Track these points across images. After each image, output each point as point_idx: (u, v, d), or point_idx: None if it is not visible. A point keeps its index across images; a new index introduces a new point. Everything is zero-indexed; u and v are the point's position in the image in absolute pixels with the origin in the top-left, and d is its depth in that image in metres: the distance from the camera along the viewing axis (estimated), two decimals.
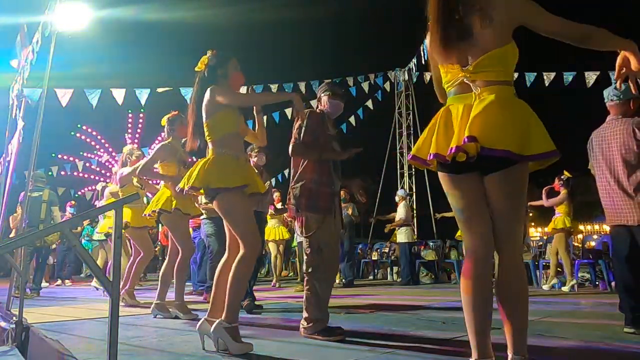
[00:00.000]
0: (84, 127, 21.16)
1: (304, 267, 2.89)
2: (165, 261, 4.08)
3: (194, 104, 2.65)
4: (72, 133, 21.05)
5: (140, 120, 21.48)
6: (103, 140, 21.39)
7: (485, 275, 1.68)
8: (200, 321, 2.49)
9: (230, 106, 2.56)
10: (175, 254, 3.94)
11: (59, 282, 9.15)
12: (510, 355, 1.65)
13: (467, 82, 1.67)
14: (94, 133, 21.32)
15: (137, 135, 20.96)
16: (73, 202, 9.48)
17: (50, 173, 12.89)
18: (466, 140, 1.56)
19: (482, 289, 1.66)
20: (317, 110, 3.08)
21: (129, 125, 21.31)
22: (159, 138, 18.96)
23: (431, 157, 1.67)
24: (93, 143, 21.26)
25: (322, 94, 3.10)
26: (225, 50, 2.72)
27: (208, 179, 2.47)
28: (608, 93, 3.28)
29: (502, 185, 1.64)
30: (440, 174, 1.76)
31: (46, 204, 6.49)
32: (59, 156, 19.34)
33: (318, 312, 2.78)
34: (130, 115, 21.06)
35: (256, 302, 4.34)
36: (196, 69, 2.69)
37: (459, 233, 8.18)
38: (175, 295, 3.82)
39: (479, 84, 1.65)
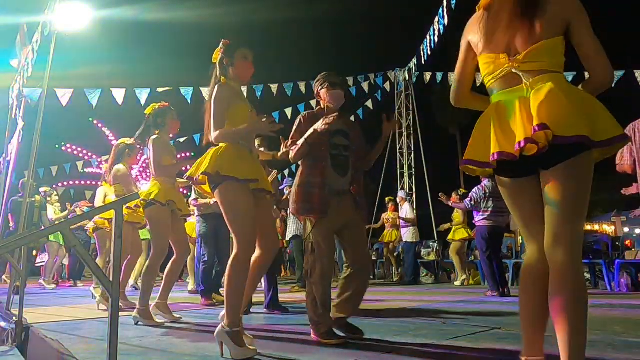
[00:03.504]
0: (95, 122, 20.94)
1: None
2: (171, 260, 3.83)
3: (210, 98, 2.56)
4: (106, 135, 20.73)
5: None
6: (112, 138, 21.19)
7: (543, 277, 1.57)
8: (218, 328, 2.36)
9: (239, 100, 2.54)
10: (185, 253, 3.84)
11: (72, 282, 9.14)
12: None
13: (515, 72, 1.58)
14: (104, 129, 21.12)
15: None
16: (89, 203, 9.45)
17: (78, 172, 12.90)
18: (537, 128, 1.44)
19: (544, 290, 1.56)
20: (315, 110, 2.99)
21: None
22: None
23: (495, 157, 1.53)
24: (109, 135, 21.00)
25: (320, 88, 2.96)
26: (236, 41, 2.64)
27: (220, 164, 2.36)
28: None
29: (567, 178, 1.50)
30: (500, 181, 1.68)
31: (38, 209, 6.63)
32: (63, 148, 19.35)
33: (314, 315, 2.72)
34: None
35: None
36: (212, 60, 2.64)
37: (450, 236, 8.29)
38: (141, 299, 3.52)
39: (530, 74, 1.56)
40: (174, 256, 3.81)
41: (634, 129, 3.55)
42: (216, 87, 2.51)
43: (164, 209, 3.63)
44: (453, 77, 1.83)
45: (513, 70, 1.58)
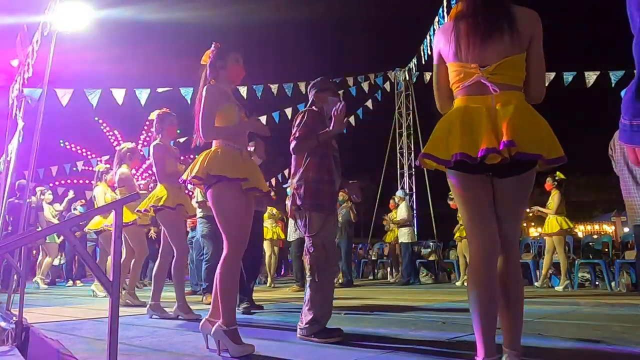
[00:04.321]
0: (101, 121, 20.90)
1: (307, 267, 2.85)
2: (157, 261, 3.98)
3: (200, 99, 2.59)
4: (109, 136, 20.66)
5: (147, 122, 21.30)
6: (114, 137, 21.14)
7: (494, 272, 1.71)
8: (202, 321, 2.49)
9: (228, 101, 2.55)
10: (168, 254, 3.91)
11: (70, 282, 9.13)
12: (507, 350, 1.67)
13: (484, 82, 1.67)
14: (108, 128, 21.07)
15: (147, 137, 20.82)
16: (83, 201, 9.45)
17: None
18: (507, 143, 1.56)
19: (492, 286, 1.69)
20: (315, 109, 3.02)
21: (146, 127, 21.19)
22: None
23: (457, 156, 1.63)
24: (112, 137, 20.94)
25: (319, 92, 3.03)
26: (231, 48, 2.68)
27: (210, 166, 2.40)
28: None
29: (517, 189, 1.71)
30: (453, 173, 1.75)
31: (34, 209, 6.66)
32: (66, 145, 19.42)
33: (319, 313, 2.73)
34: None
35: (256, 303, 4.35)
36: (202, 62, 2.68)
37: (457, 234, 8.20)
38: (176, 296, 3.81)
39: (497, 86, 1.66)
40: (159, 259, 3.96)
41: (614, 138, 3.52)
42: (205, 87, 2.54)
43: (175, 212, 3.76)
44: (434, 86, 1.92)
45: (482, 81, 1.68)
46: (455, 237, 8.30)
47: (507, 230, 1.74)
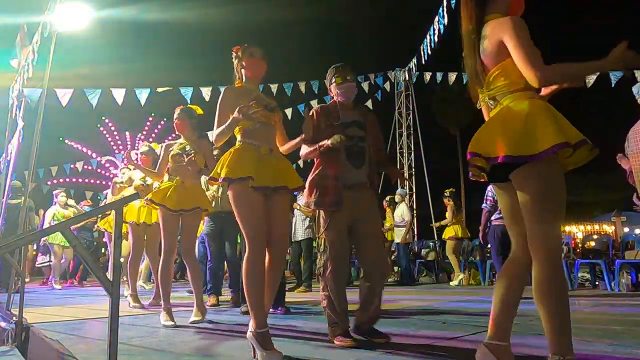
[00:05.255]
0: (107, 120, 20.89)
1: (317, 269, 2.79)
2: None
3: None
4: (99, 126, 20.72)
5: (148, 123, 21.28)
6: (117, 138, 21.13)
7: (519, 275, 1.82)
8: (248, 333, 2.31)
9: (246, 100, 2.44)
10: (179, 254, 3.87)
11: (72, 281, 9.10)
12: (549, 356, 1.63)
13: (487, 100, 1.87)
14: (113, 128, 21.06)
15: (150, 137, 20.80)
16: (90, 202, 9.46)
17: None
18: (468, 156, 1.75)
19: (513, 288, 1.81)
20: (329, 103, 2.94)
21: (146, 127, 21.16)
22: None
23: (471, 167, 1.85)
24: (114, 138, 20.92)
25: (330, 85, 2.93)
26: (230, 48, 2.65)
27: (220, 168, 2.37)
28: (638, 89, 3.24)
29: (521, 186, 1.72)
30: (492, 184, 1.95)
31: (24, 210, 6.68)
32: (66, 141, 19.45)
33: (332, 314, 2.67)
34: (150, 118, 20.89)
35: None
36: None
37: (444, 234, 8.24)
38: (161, 292, 3.64)
39: (494, 99, 1.83)
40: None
41: (627, 138, 3.52)
42: (223, 89, 2.54)
43: (163, 208, 3.65)
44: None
45: (486, 100, 1.88)
46: (444, 236, 8.29)
47: (527, 234, 1.71)
